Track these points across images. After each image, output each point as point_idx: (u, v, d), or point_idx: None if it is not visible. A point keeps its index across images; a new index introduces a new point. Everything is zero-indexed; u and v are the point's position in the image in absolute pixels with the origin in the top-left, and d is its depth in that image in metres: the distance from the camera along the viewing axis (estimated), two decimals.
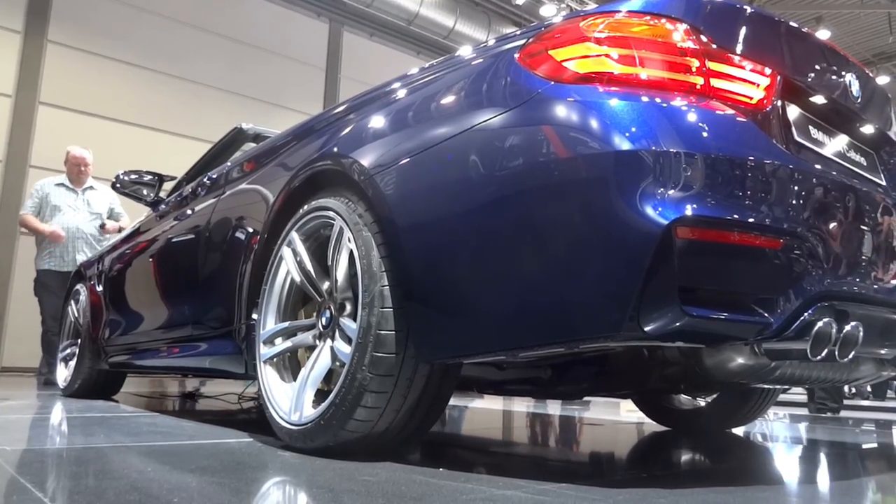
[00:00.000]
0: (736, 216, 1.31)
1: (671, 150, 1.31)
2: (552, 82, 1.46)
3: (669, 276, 1.27)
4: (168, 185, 3.56)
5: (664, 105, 1.38)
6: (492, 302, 1.46)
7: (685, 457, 2.17)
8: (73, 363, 3.85)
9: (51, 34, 11.37)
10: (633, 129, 1.33)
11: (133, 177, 3.46)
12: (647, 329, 1.28)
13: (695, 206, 1.29)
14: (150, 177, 3.45)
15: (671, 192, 1.29)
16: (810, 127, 1.68)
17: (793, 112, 1.62)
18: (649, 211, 1.27)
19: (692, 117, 1.38)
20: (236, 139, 3.31)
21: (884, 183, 1.89)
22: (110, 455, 1.63)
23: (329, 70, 13.43)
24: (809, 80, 1.69)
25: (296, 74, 12.95)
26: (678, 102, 1.40)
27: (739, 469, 1.88)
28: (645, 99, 1.38)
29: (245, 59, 12.63)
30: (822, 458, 2.37)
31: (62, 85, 11.22)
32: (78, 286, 4.01)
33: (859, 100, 1.82)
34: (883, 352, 1.71)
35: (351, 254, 1.74)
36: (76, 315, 3.96)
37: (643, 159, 1.30)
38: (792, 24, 1.70)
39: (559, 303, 1.35)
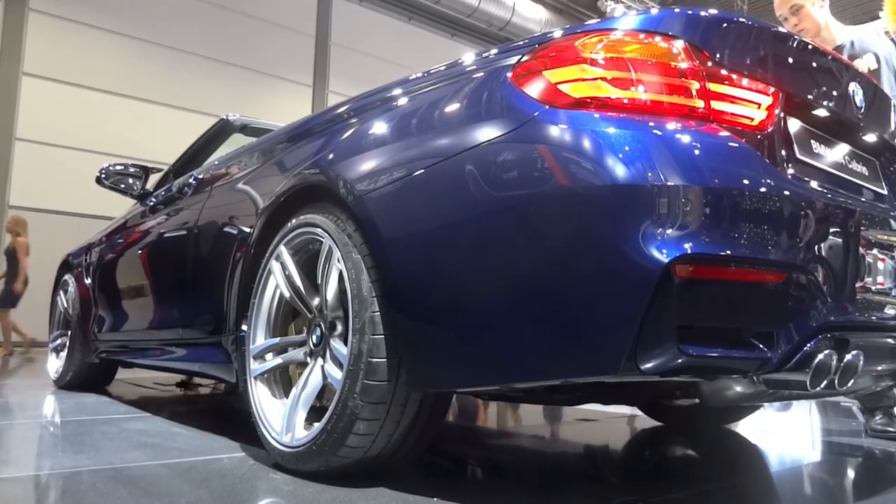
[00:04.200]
0: (738, 252, 1.27)
1: (670, 183, 1.26)
2: (547, 106, 1.40)
3: (668, 315, 1.23)
4: (154, 178, 3.49)
5: (663, 133, 1.32)
6: (486, 335, 1.42)
7: (683, 470, 2.16)
8: (63, 354, 3.82)
9: (32, 2, 11.08)
10: (631, 162, 1.28)
11: (118, 168, 3.39)
12: (643, 368, 1.25)
13: (695, 242, 1.24)
14: (135, 169, 3.38)
15: (670, 228, 1.24)
16: (812, 141, 1.63)
17: (794, 126, 1.57)
18: (648, 249, 1.23)
19: (693, 147, 1.32)
20: (223, 130, 3.24)
21: (885, 192, 1.85)
22: (97, 485, 1.60)
23: (319, 37, 13.18)
24: (811, 92, 1.63)
25: (285, 42, 12.72)
26: (678, 130, 1.34)
27: (741, 487, 1.87)
28: (643, 127, 1.33)
29: (233, 27, 12.39)
30: (825, 457, 2.37)
31: (46, 55, 11.01)
32: (66, 276, 3.96)
33: (862, 109, 1.76)
34: (881, 368, 1.69)
35: (340, 273, 1.70)
36: (65, 306, 3.92)
37: (641, 194, 1.25)
38: (793, 34, 1.63)
39: (555, 340, 1.32)
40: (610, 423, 2.96)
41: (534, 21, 13.30)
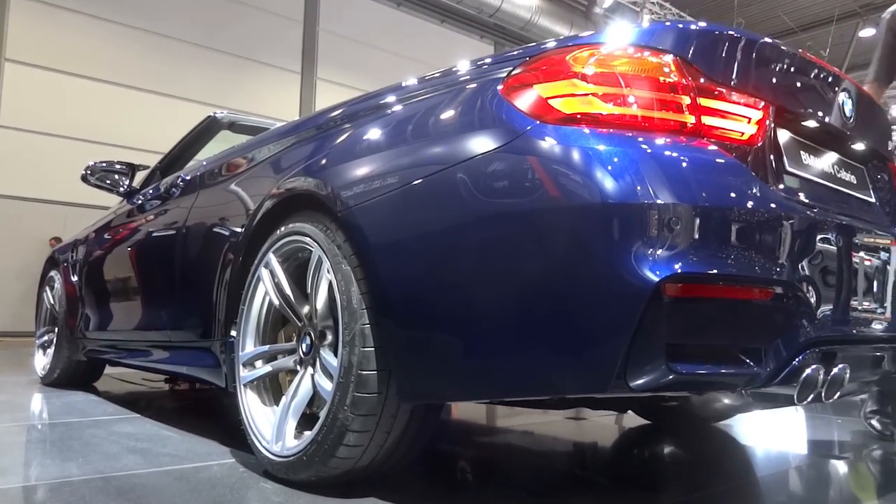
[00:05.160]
0: (728, 270, 1.27)
1: (661, 201, 1.26)
2: (538, 122, 1.39)
3: (657, 334, 1.24)
4: (140, 175, 3.46)
5: (654, 150, 1.32)
6: (476, 349, 1.42)
7: (672, 475, 2.18)
8: (51, 351, 3.80)
9: None
10: (622, 180, 1.28)
11: (104, 165, 3.35)
12: (632, 385, 1.25)
13: (685, 261, 1.24)
14: (121, 166, 3.35)
15: (660, 246, 1.24)
16: (801, 152, 1.63)
17: (784, 137, 1.57)
18: (638, 267, 1.23)
19: (683, 164, 1.32)
20: (210, 128, 3.21)
21: (873, 200, 1.87)
22: (87, 497, 1.59)
23: (307, 23, 13.06)
24: (801, 103, 1.64)
25: (272, 28, 12.60)
26: (669, 146, 1.34)
27: (730, 493, 1.89)
28: (634, 144, 1.33)
29: (219, 12, 12.26)
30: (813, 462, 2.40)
31: (29, 41, 10.86)
32: (52, 273, 3.93)
33: (851, 118, 1.77)
34: (868, 377, 1.71)
35: (330, 284, 1.69)
36: (52, 302, 3.89)
37: (632, 213, 1.25)
38: (782, 45, 1.63)
39: (544, 356, 1.32)
40: (599, 421, 2.97)
41: (524, 8, 13.22)
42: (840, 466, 2.27)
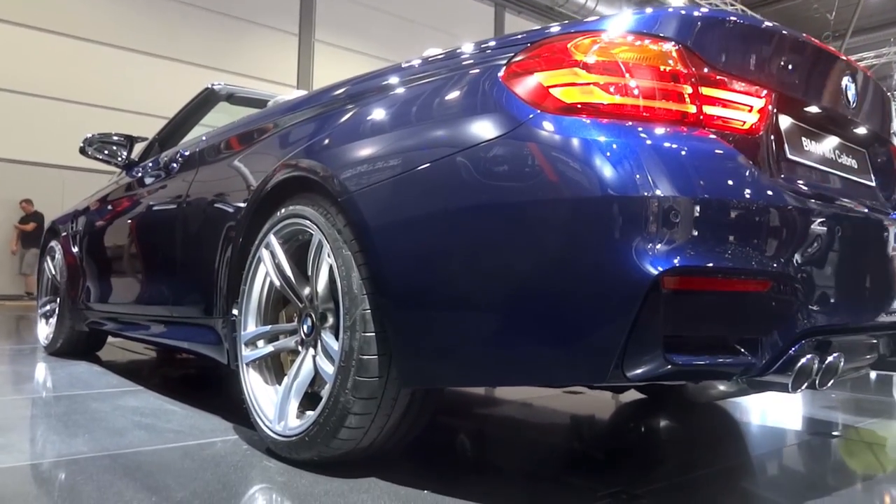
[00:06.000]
0: (726, 263, 1.28)
1: (661, 194, 1.27)
2: (538, 111, 1.39)
3: (655, 326, 1.25)
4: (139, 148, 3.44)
5: (655, 142, 1.32)
6: (475, 337, 1.44)
7: (668, 454, 2.22)
8: (53, 321, 3.83)
9: None
10: (622, 172, 1.28)
11: (101, 137, 3.34)
12: (630, 375, 1.28)
13: (684, 254, 1.25)
14: (118, 137, 3.33)
15: (660, 239, 1.25)
16: (803, 138, 1.63)
17: (785, 123, 1.57)
18: (637, 261, 1.24)
19: (684, 156, 1.32)
20: (208, 99, 3.18)
21: (873, 183, 1.87)
22: (94, 476, 1.63)
23: None
24: (804, 89, 1.63)
25: None
26: (670, 137, 1.34)
27: (725, 473, 1.92)
28: (635, 135, 1.32)
29: None
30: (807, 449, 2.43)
31: None
32: (52, 243, 3.95)
33: (854, 103, 1.76)
34: (861, 363, 1.73)
35: (331, 267, 1.70)
36: (53, 272, 3.91)
37: (630, 206, 1.26)
38: (784, 30, 1.62)
39: (543, 347, 1.34)
40: (596, 395, 3.01)
41: None
42: (836, 443, 2.31)
